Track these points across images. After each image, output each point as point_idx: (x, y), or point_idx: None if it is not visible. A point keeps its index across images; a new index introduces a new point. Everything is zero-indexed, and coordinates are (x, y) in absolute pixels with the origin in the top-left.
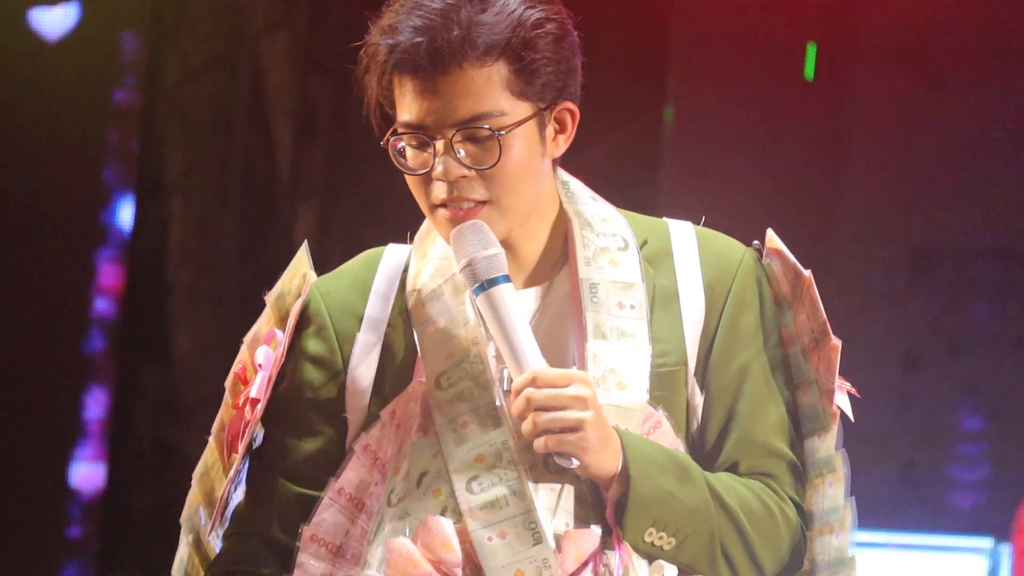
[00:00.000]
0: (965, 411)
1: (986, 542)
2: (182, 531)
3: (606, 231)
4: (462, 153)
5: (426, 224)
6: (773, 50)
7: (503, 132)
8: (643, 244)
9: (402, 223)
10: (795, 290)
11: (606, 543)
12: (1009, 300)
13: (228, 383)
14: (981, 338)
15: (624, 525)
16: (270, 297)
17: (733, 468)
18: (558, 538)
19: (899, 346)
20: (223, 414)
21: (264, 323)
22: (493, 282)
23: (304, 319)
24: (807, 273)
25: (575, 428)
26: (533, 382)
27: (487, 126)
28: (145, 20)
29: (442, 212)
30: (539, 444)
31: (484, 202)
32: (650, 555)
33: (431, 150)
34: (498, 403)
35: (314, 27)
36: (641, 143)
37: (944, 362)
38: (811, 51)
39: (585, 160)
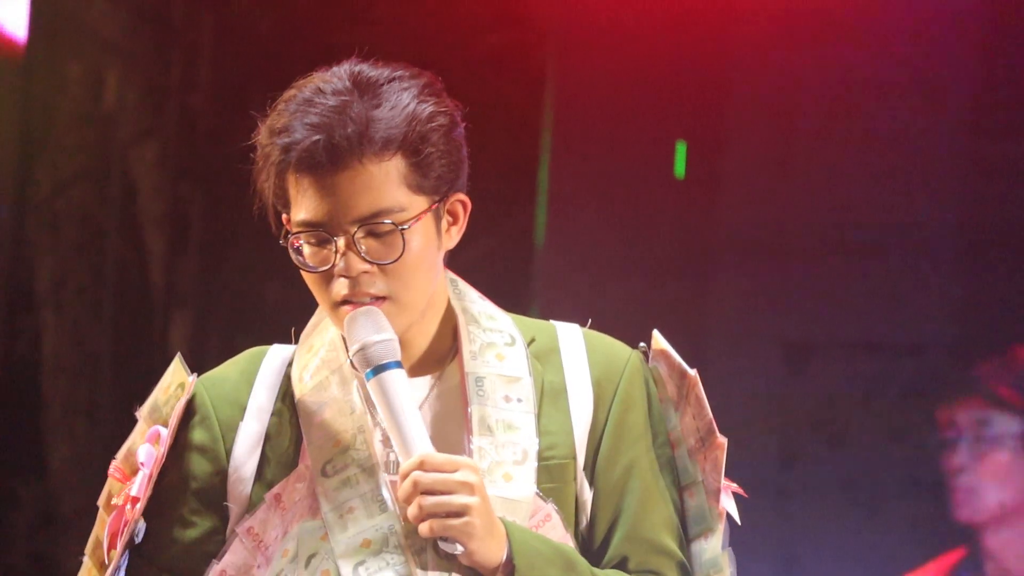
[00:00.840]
0: (844, 505)
1: None
2: None
3: (492, 327)
4: (364, 249)
5: (314, 319)
6: (644, 148)
7: (406, 227)
8: (531, 342)
9: (278, 328)
10: (681, 390)
11: None
12: (881, 393)
13: (101, 500)
14: (856, 432)
15: None
16: (142, 411)
17: (622, 564)
18: None
19: (776, 442)
20: (97, 530)
21: (138, 437)
22: (384, 367)
23: (188, 411)
24: (692, 373)
25: (460, 513)
26: (421, 466)
27: (389, 221)
28: (12, 136)
29: (344, 309)
30: (424, 528)
31: (384, 297)
32: None
33: (331, 247)
34: (384, 489)
35: (183, 135)
36: (513, 244)
37: (822, 457)
38: (681, 149)
39: (458, 261)
